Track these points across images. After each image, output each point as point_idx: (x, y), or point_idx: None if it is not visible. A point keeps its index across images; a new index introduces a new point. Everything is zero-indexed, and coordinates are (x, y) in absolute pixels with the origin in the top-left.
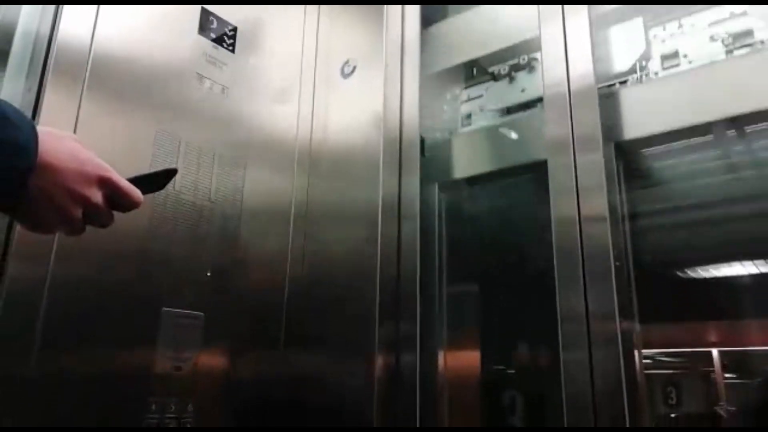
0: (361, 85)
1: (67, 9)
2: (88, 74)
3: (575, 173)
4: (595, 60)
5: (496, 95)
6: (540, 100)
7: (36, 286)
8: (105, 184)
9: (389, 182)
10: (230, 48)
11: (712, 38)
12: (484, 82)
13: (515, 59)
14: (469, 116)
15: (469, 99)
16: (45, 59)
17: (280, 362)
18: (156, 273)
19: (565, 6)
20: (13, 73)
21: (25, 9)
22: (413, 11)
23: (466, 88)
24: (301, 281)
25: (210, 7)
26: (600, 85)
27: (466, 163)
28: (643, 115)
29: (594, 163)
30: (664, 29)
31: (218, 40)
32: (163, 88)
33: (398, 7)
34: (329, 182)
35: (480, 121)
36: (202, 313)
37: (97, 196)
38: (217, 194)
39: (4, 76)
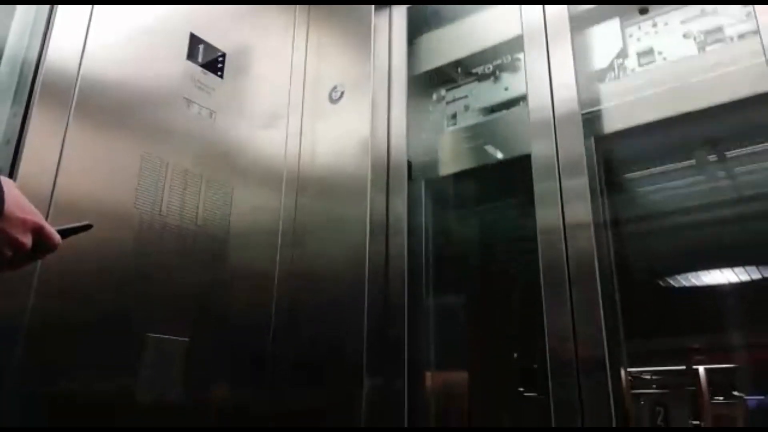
0: (349, 110)
1: (56, 33)
2: (75, 98)
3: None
4: (579, 86)
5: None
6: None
7: (15, 321)
8: (36, 231)
9: (377, 205)
10: (219, 73)
11: (685, 35)
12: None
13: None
14: (454, 116)
15: (455, 99)
16: (32, 84)
17: (267, 386)
18: (140, 299)
19: (548, 31)
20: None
21: (13, 34)
22: (400, 38)
23: (450, 89)
24: (288, 305)
25: (199, 33)
26: (584, 111)
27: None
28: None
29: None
30: (640, 28)
31: (207, 66)
32: (151, 112)
33: (385, 33)
34: (317, 206)
35: (466, 120)
36: (187, 339)
37: (29, 241)
38: (204, 218)
39: None
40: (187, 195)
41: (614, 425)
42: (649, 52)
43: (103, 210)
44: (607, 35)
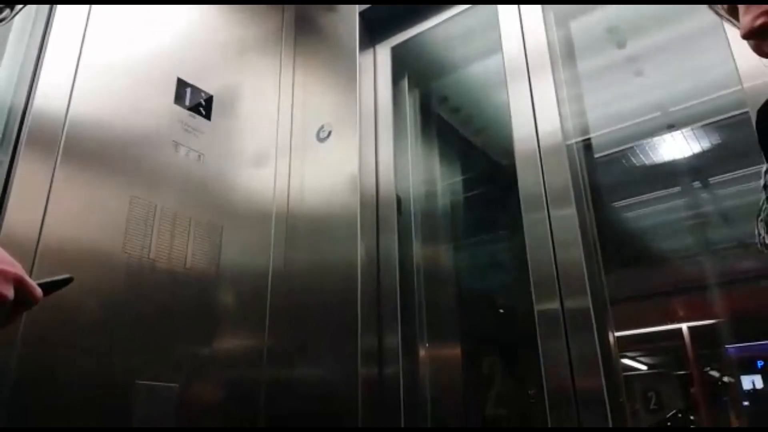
0: (336, 148)
1: (43, 79)
2: (62, 144)
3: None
4: (563, 117)
5: None
6: None
7: (1, 371)
8: (17, 282)
9: (367, 241)
10: (206, 116)
11: None
12: None
13: None
14: None
15: None
16: (18, 132)
17: None
18: (129, 345)
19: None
20: None
21: (0, 80)
22: (385, 76)
23: None
24: (280, 350)
25: (186, 77)
26: (568, 142)
27: None
28: None
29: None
30: None
31: (194, 109)
32: (139, 156)
33: (371, 73)
34: (308, 245)
35: None
36: (176, 385)
37: (10, 293)
38: (193, 260)
39: None
40: (176, 238)
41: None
42: None
43: (92, 255)
44: None
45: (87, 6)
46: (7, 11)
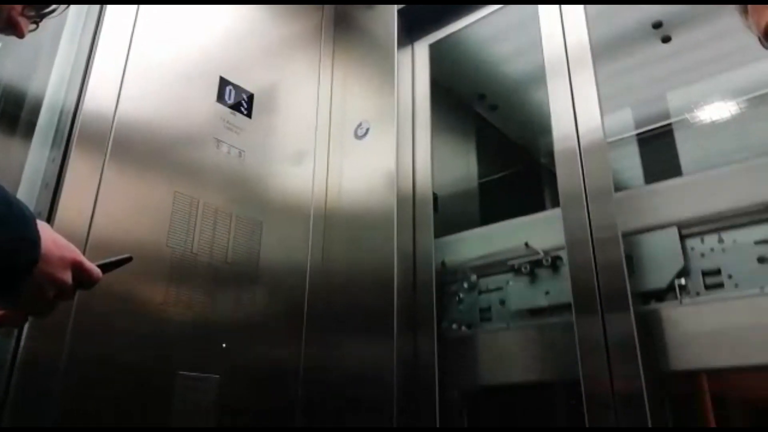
0: (374, 145)
1: (93, 82)
2: (111, 142)
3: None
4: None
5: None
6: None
7: (52, 361)
8: (75, 266)
9: (404, 238)
10: (247, 114)
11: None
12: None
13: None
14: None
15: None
16: (70, 130)
17: (298, 423)
18: (172, 337)
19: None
20: (39, 145)
21: (52, 84)
22: (423, 73)
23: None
24: (318, 341)
25: (228, 76)
26: (610, 139)
27: None
28: None
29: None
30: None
31: (235, 107)
32: (183, 153)
33: (409, 70)
34: (345, 241)
35: None
36: (217, 376)
37: (69, 278)
38: (234, 255)
39: (30, 147)
40: (217, 232)
41: None
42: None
43: (138, 249)
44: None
45: (135, 6)
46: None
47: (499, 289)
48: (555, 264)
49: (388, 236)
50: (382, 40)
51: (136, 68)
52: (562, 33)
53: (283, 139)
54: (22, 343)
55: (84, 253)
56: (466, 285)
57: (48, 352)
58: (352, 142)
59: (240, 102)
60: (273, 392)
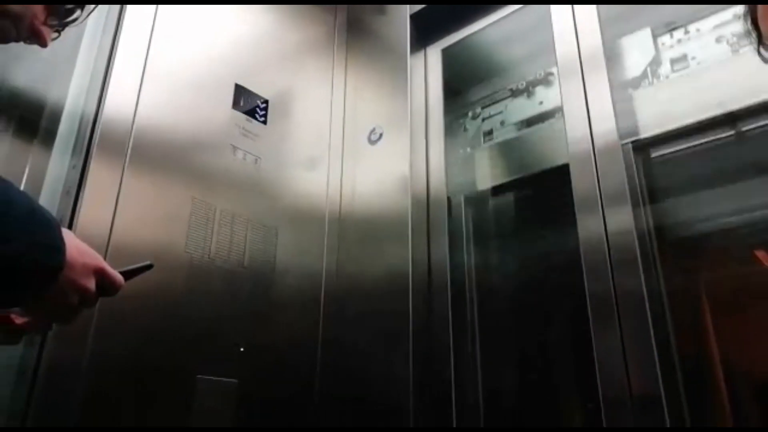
0: (387, 150)
1: (112, 89)
2: (130, 148)
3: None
4: (618, 115)
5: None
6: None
7: (74, 364)
8: (99, 273)
9: (418, 243)
10: (262, 120)
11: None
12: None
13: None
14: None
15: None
16: (90, 138)
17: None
18: (191, 341)
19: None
20: (60, 152)
21: (73, 90)
22: (436, 78)
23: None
24: (334, 345)
25: (243, 83)
26: (623, 141)
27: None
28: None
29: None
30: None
31: (251, 113)
32: (200, 159)
33: (422, 75)
34: (360, 245)
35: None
36: (235, 380)
37: (93, 284)
38: (251, 260)
39: (50, 154)
40: (234, 238)
41: None
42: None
43: (157, 255)
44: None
45: (152, 14)
46: (78, 12)
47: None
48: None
49: (403, 240)
50: (395, 45)
51: (153, 76)
52: (575, 33)
53: (298, 144)
54: (44, 350)
55: (105, 260)
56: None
57: (69, 359)
58: (365, 147)
59: (255, 108)
60: (290, 397)
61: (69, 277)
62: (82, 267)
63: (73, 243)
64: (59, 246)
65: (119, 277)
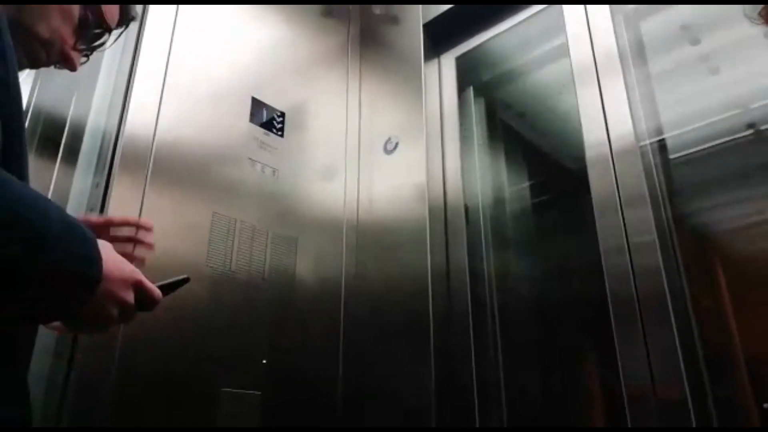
0: (404, 160)
1: (132, 107)
2: (151, 165)
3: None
4: (635, 118)
5: None
6: None
7: (103, 373)
8: (137, 286)
9: (437, 251)
10: (279, 132)
11: None
12: None
13: None
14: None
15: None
16: (112, 155)
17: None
18: (214, 355)
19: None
20: (83, 171)
21: (94, 108)
22: (450, 86)
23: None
24: (356, 354)
25: (259, 96)
26: (641, 143)
27: None
28: None
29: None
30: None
31: (267, 126)
32: (219, 173)
33: (436, 83)
34: (378, 254)
35: None
36: (258, 392)
37: (131, 297)
38: (271, 272)
39: (74, 172)
40: (254, 250)
41: None
42: None
43: (179, 269)
44: None
45: (170, 32)
46: (106, 36)
47: None
48: None
49: (421, 249)
50: (408, 54)
51: (172, 93)
52: (589, 36)
53: (315, 156)
54: (74, 362)
55: None
56: None
57: (98, 370)
58: (381, 156)
59: (272, 121)
60: (313, 404)
61: (107, 289)
62: (120, 279)
63: (111, 256)
64: (96, 257)
65: (157, 291)
